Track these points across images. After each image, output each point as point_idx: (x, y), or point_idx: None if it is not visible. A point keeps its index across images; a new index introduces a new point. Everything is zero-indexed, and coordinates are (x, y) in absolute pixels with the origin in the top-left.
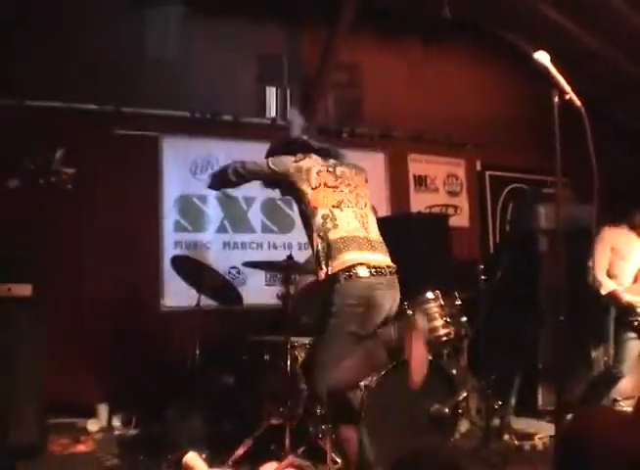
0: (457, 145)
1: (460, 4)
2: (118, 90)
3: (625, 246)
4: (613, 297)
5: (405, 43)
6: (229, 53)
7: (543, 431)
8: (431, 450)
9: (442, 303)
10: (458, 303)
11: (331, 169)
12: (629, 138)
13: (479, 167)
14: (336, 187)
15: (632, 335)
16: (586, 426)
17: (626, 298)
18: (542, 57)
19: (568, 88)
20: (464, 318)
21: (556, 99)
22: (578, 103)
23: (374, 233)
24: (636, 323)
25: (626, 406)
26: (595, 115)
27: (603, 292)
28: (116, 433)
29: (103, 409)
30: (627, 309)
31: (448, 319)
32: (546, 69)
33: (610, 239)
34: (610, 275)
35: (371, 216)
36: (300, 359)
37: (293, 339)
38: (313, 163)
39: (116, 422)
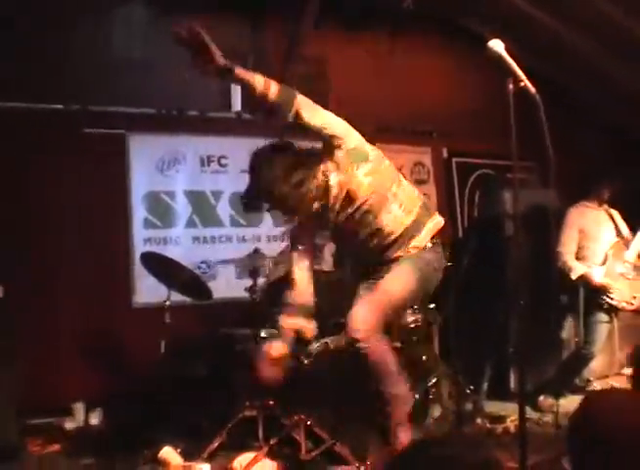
0: (423, 133)
1: None
2: (85, 89)
3: (593, 226)
4: (583, 280)
5: (371, 35)
6: None
7: (515, 414)
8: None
9: None
10: None
11: None
12: (601, 123)
13: (445, 155)
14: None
15: (602, 316)
16: (600, 407)
17: (597, 280)
18: (496, 45)
19: (522, 75)
20: (432, 305)
21: (510, 86)
22: (533, 90)
23: None
24: (606, 305)
25: (599, 386)
26: (567, 101)
27: (573, 276)
28: (94, 430)
29: (79, 408)
30: (598, 291)
31: (416, 306)
32: (500, 56)
33: (576, 221)
34: (579, 257)
35: None
36: None
37: (262, 331)
38: None
39: (93, 420)
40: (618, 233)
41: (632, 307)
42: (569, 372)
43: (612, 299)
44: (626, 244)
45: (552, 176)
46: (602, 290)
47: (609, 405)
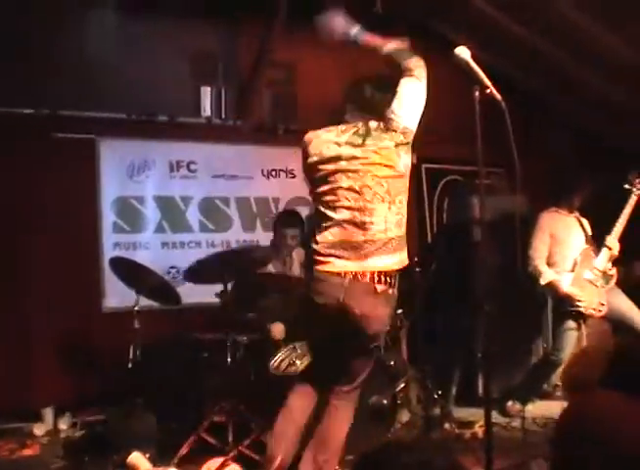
0: None
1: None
2: (55, 93)
3: (564, 232)
4: (551, 287)
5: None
6: (164, 53)
7: (482, 418)
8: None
9: None
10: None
11: None
12: (574, 129)
13: (414, 161)
14: None
15: (571, 324)
16: (588, 410)
17: (565, 289)
18: (462, 52)
19: (488, 82)
20: (399, 310)
21: (476, 93)
22: (498, 97)
23: None
24: (574, 312)
25: None
26: (539, 107)
27: (542, 282)
28: (63, 436)
29: (48, 413)
30: (565, 299)
31: None
32: (466, 63)
33: (548, 225)
34: (549, 262)
35: None
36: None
37: (232, 335)
38: None
39: (62, 425)
40: (588, 240)
41: (600, 314)
42: (537, 378)
43: (579, 306)
44: (595, 251)
45: (518, 182)
46: (570, 299)
47: (598, 409)
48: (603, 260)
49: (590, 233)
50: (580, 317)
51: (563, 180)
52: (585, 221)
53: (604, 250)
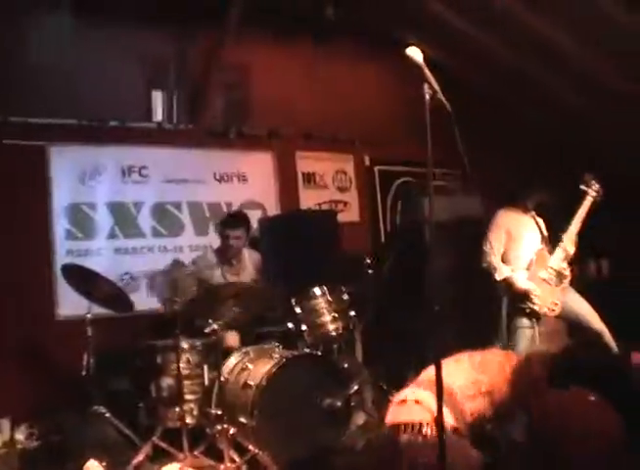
0: (345, 142)
1: (347, 3)
2: (4, 99)
3: (520, 230)
4: (507, 283)
5: (294, 43)
6: (115, 57)
7: None
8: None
9: (329, 298)
10: (345, 297)
11: None
12: (533, 133)
13: (367, 163)
14: None
15: (525, 322)
16: (560, 411)
17: (520, 284)
18: (414, 52)
19: (436, 86)
20: (352, 312)
21: (427, 95)
22: (444, 101)
23: None
24: (529, 310)
25: None
26: (500, 108)
27: (498, 278)
28: (19, 447)
29: (5, 424)
30: (521, 296)
31: (336, 314)
32: (417, 64)
33: (504, 223)
34: (505, 260)
35: None
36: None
37: (183, 341)
38: None
39: (19, 435)
40: (543, 240)
41: (554, 313)
42: None
43: (534, 304)
44: (550, 251)
45: (468, 183)
46: (524, 294)
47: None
48: (558, 260)
49: (546, 234)
50: (534, 316)
51: (519, 179)
52: (541, 221)
53: (559, 249)
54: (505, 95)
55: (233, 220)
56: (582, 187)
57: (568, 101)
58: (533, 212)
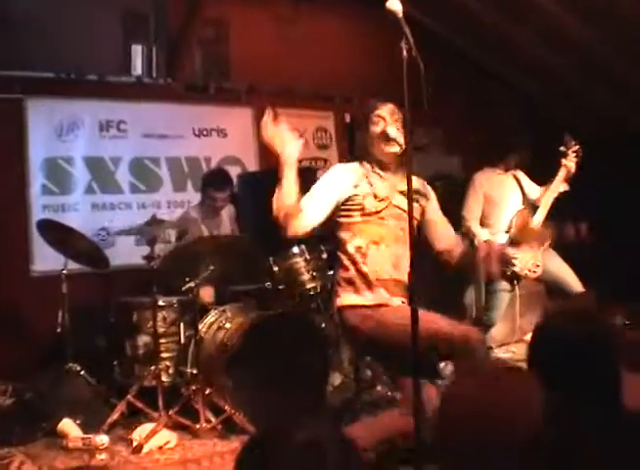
0: (325, 98)
1: None
2: None
3: (499, 192)
4: None
5: None
6: (94, 11)
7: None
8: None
9: (308, 257)
10: (324, 256)
11: None
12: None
13: (348, 120)
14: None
15: (504, 285)
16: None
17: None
18: (394, 5)
19: (411, 41)
20: (331, 272)
21: (404, 51)
22: (419, 60)
23: None
24: (509, 273)
25: (500, 353)
26: (482, 74)
27: (477, 243)
28: None
29: None
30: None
31: (314, 273)
32: (396, 16)
33: (482, 186)
34: (484, 224)
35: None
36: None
37: (160, 299)
38: None
39: None
40: (525, 200)
41: (535, 275)
42: None
43: (514, 266)
44: (532, 210)
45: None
46: (504, 259)
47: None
48: (539, 221)
49: (530, 188)
50: (515, 278)
51: (500, 142)
52: (523, 177)
53: (540, 210)
54: (484, 55)
55: (220, 182)
56: (562, 148)
57: (546, 61)
58: (514, 171)
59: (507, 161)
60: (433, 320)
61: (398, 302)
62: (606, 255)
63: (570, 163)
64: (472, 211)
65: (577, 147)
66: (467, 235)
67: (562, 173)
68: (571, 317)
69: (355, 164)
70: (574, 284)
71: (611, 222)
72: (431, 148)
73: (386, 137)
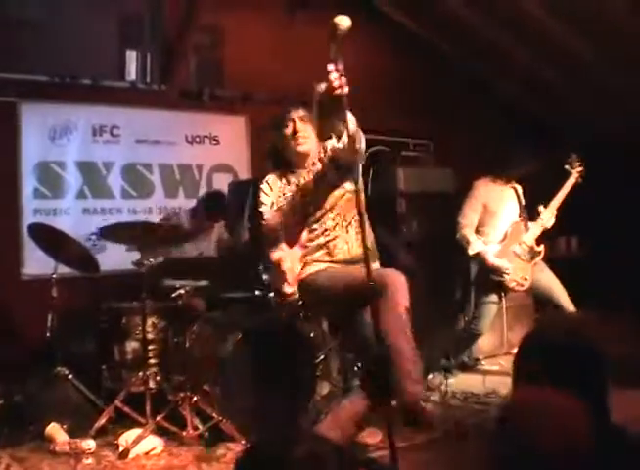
0: None
1: None
2: None
3: (497, 203)
4: (479, 257)
5: (270, 5)
6: (89, 15)
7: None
8: None
9: None
10: None
11: None
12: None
13: None
14: None
15: (493, 297)
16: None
17: (492, 260)
18: (343, 20)
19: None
20: None
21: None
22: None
23: None
24: (497, 284)
25: (488, 366)
26: (476, 80)
27: (470, 252)
28: None
29: None
30: (490, 270)
31: None
32: (343, 34)
33: (481, 195)
34: (480, 232)
35: None
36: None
37: (149, 305)
38: None
39: None
40: (521, 212)
41: (522, 288)
42: (457, 349)
43: (502, 278)
44: (526, 225)
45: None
46: (495, 270)
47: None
48: (533, 235)
49: (524, 203)
50: (503, 289)
51: (503, 152)
52: (520, 189)
53: (535, 225)
54: (480, 67)
55: (217, 208)
56: (567, 167)
57: (542, 74)
58: (513, 183)
59: (508, 173)
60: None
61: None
62: (596, 268)
63: (573, 180)
64: (468, 219)
65: (582, 168)
66: (460, 241)
67: (563, 192)
68: (558, 329)
69: None
70: (563, 299)
71: (601, 236)
72: (421, 161)
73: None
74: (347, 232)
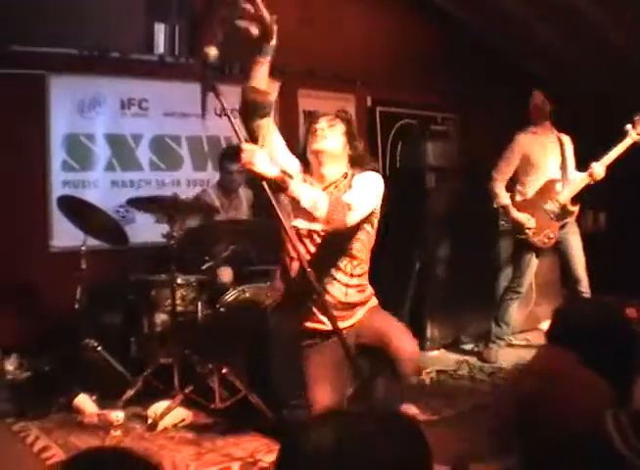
0: (347, 81)
1: None
2: (3, 28)
3: (539, 154)
4: (504, 211)
5: None
6: None
7: (432, 365)
8: None
9: None
10: None
11: None
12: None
13: (369, 103)
14: None
15: (529, 252)
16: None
17: (515, 215)
18: (212, 51)
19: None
20: None
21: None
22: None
23: None
24: (528, 240)
25: (517, 341)
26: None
27: (495, 205)
28: (9, 377)
29: None
30: (514, 225)
31: None
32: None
33: (521, 147)
34: (522, 182)
35: None
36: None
37: (178, 277)
38: None
39: (9, 366)
40: (563, 164)
41: (545, 245)
42: (499, 314)
43: (526, 234)
44: (565, 180)
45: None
46: (518, 223)
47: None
48: (569, 193)
49: (567, 156)
50: (532, 245)
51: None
52: (567, 141)
53: (572, 184)
54: (505, 44)
55: (235, 153)
56: (628, 126)
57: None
58: (556, 132)
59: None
60: None
61: None
62: (621, 245)
63: (630, 141)
64: (500, 173)
65: None
66: (489, 192)
67: (618, 149)
68: (591, 303)
69: None
70: (579, 268)
71: (629, 213)
72: (449, 135)
73: None
74: None
